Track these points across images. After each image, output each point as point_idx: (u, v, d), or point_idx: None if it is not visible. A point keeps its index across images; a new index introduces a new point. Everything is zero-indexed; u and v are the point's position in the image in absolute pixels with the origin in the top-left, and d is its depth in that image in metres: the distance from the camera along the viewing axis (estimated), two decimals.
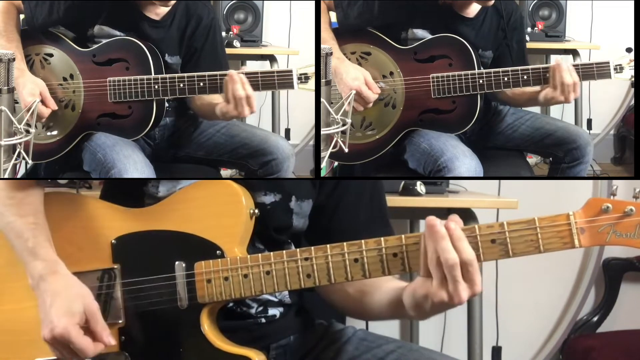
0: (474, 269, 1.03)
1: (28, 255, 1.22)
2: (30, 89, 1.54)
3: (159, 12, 1.66)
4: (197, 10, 1.71)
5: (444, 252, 1.03)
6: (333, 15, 1.72)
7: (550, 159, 1.88)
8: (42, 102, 1.56)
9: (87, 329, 1.17)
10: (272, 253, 1.16)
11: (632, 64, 1.60)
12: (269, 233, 1.31)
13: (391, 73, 1.71)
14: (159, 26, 1.66)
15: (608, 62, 1.63)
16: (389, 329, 2.74)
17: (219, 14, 2.97)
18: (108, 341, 1.18)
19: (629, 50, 1.61)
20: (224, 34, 2.95)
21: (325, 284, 1.13)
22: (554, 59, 3.03)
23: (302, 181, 1.40)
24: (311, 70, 1.51)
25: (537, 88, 1.65)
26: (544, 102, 1.65)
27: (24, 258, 1.23)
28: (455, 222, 1.06)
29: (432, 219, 1.05)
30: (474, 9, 1.75)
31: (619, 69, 1.60)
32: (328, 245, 1.13)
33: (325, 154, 1.56)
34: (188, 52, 1.70)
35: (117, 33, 1.64)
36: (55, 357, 1.24)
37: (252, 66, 3.07)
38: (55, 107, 1.59)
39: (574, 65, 1.61)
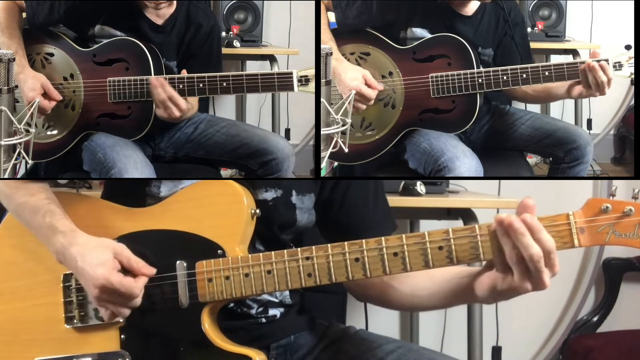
0: (554, 254, 1.01)
1: (47, 231, 1.22)
2: (32, 84, 1.56)
3: (160, 14, 1.66)
4: (197, 17, 1.71)
5: (528, 249, 0.99)
6: (332, 16, 1.72)
7: (550, 159, 1.88)
8: (45, 94, 1.57)
9: (124, 271, 1.18)
10: (273, 252, 1.16)
11: (631, 61, 1.59)
12: (272, 231, 1.31)
13: (390, 73, 1.71)
14: (160, 31, 1.67)
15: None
16: (389, 329, 2.74)
17: (219, 14, 2.97)
18: (149, 271, 1.19)
19: (627, 47, 1.61)
20: (223, 34, 2.95)
21: (325, 283, 1.13)
22: (554, 59, 3.04)
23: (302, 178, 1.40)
24: (311, 72, 1.50)
25: (563, 83, 1.64)
26: (577, 97, 1.65)
27: (43, 234, 1.23)
28: (527, 209, 1.02)
29: (504, 216, 1.01)
30: (472, 7, 1.75)
31: (618, 66, 1.60)
32: (329, 245, 1.13)
33: (325, 154, 1.55)
34: (183, 58, 1.71)
35: (118, 33, 1.65)
36: (54, 357, 1.24)
37: (252, 66, 3.07)
38: (60, 98, 1.60)
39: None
